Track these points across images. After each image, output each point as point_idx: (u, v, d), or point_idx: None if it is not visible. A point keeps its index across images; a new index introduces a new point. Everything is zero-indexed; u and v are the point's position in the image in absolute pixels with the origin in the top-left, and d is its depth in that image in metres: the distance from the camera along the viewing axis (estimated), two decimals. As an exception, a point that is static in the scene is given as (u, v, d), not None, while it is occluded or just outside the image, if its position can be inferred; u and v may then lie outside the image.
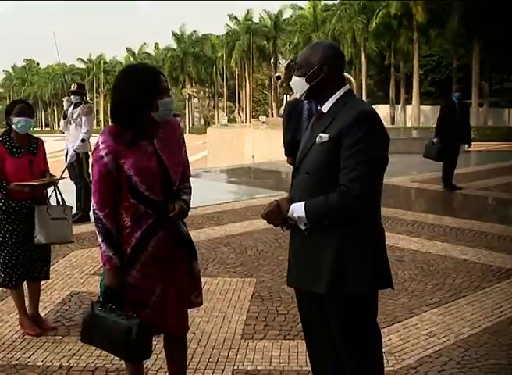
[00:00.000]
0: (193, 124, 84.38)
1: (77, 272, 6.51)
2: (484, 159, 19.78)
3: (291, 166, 5.30)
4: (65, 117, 9.50)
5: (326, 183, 2.91)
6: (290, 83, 3.24)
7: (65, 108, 9.62)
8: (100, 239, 3.17)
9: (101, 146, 3.13)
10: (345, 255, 2.92)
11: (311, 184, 2.99)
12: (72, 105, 9.37)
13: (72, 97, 9.43)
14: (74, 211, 8.77)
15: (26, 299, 5.08)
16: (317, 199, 2.91)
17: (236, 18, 78.58)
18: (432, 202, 11.68)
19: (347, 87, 3.11)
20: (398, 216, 9.36)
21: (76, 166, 9.30)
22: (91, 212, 9.27)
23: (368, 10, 52.63)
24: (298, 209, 2.95)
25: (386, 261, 3.09)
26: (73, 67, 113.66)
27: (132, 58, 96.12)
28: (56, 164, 9.34)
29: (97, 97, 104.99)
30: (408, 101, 52.72)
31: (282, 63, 55.64)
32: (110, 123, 3.35)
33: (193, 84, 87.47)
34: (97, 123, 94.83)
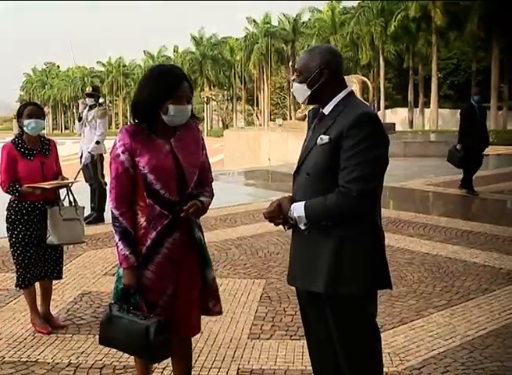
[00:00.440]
0: (211, 127, 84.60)
1: (89, 272, 6.60)
2: (502, 163, 19.67)
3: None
4: (80, 119, 9.63)
5: (326, 184, 2.94)
6: (292, 89, 3.27)
7: (80, 110, 9.76)
8: (116, 238, 3.19)
9: (118, 144, 3.17)
10: (343, 256, 2.95)
11: (312, 185, 3.02)
12: (87, 108, 9.50)
13: (87, 99, 9.57)
14: (88, 212, 8.90)
15: (38, 298, 5.17)
16: (316, 199, 2.94)
17: (254, 21, 78.73)
18: (446, 205, 11.67)
19: (349, 89, 3.14)
20: (410, 218, 9.37)
21: (91, 167, 9.42)
22: (105, 214, 9.39)
23: (386, 13, 52.41)
24: (298, 209, 2.99)
25: (385, 261, 3.10)
26: (93, 70, 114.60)
27: (151, 61, 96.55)
28: (73, 166, 9.48)
29: (116, 100, 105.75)
30: (427, 104, 52.46)
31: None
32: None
33: (212, 87, 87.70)
34: (116, 126, 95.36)
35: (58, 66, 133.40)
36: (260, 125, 71.63)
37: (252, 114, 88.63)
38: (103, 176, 9.56)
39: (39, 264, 5.02)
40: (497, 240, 7.99)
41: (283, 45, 76.07)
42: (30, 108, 4.99)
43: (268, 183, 15.60)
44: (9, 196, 4.99)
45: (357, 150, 2.86)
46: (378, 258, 3.06)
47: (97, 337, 4.13)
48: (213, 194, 3.45)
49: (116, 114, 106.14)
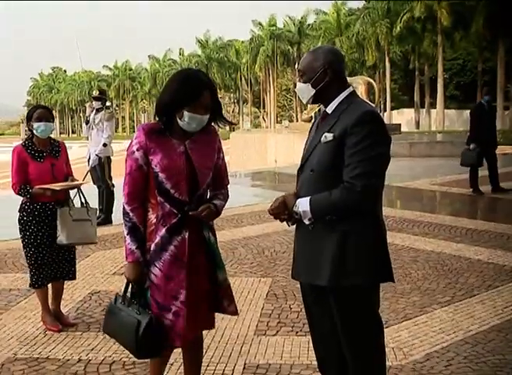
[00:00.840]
0: (218, 129, 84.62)
1: (98, 272, 6.71)
2: (508, 162, 19.66)
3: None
4: (87, 123, 9.76)
5: (330, 180, 3.04)
6: (296, 89, 3.37)
7: (87, 113, 9.89)
8: (125, 232, 3.26)
9: (134, 141, 3.25)
10: (347, 250, 3.03)
11: (315, 181, 3.11)
12: (94, 111, 9.62)
13: (94, 102, 9.70)
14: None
15: (49, 297, 5.27)
16: (321, 194, 3.04)
17: (260, 23, 78.89)
18: (450, 204, 11.73)
19: (351, 89, 3.23)
20: (416, 217, 9.45)
21: (98, 169, 9.54)
22: (113, 215, 9.48)
23: (391, 14, 52.43)
24: (303, 204, 3.07)
25: (387, 255, 3.18)
26: (99, 74, 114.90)
27: (157, 65, 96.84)
28: (80, 169, 9.58)
29: (122, 103, 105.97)
30: (433, 105, 52.45)
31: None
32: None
33: (218, 90, 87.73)
34: (123, 130, 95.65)
35: (65, 71, 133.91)
36: (266, 127, 71.71)
37: (258, 116, 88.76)
38: (110, 178, 9.67)
39: (52, 265, 5.13)
40: (501, 237, 8.06)
41: (289, 47, 76.16)
42: (39, 112, 5.10)
43: (275, 184, 15.68)
44: (21, 198, 5.11)
45: (360, 147, 2.95)
46: (381, 252, 3.14)
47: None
48: (228, 197, 3.53)
49: (123, 117, 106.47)
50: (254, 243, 7.99)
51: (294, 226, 3.30)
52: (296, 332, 4.91)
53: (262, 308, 5.47)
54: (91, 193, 8.78)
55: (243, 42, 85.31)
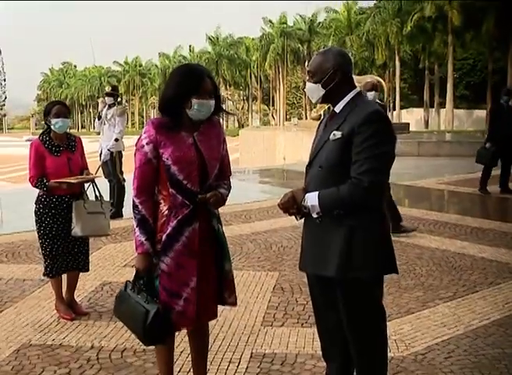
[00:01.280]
0: (227, 126, 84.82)
1: (109, 264, 6.89)
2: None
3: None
4: (99, 118, 9.93)
5: (337, 176, 3.19)
6: (305, 89, 3.51)
7: (99, 109, 10.06)
8: (135, 224, 3.38)
9: (143, 136, 3.37)
10: (354, 243, 3.18)
11: (323, 177, 3.26)
12: (107, 106, 9.79)
13: (106, 98, 9.87)
14: (109, 207, 9.15)
15: (63, 286, 5.43)
16: (329, 190, 3.18)
17: (270, 21, 79.04)
18: (456, 203, 11.84)
19: (358, 89, 3.40)
20: (421, 216, 9.57)
21: (110, 164, 9.71)
22: (124, 209, 9.62)
23: (402, 13, 52.45)
24: (312, 198, 3.22)
25: (391, 248, 3.34)
26: (110, 69, 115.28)
27: (167, 61, 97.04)
28: (91, 164, 9.73)
29: (132, 99, 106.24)
30: (442, 104, 52.37)
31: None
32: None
33: (228, 87, 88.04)
34: (132, 125, 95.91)
35: (75, 66, 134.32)
36: (275, 124, 71.83)
37: (268, 114, 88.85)
38: (122, 173, 9.83)
39: (68, 256, 5.29)
40: (506, 236, 8.17)
41: (299, 45, 76.27)
42: (57, 108, 5.26)
43: (283, 181, 15.81)
44: (37, 191, 5.28)
45: (366, 146, 3.11)
46: (386, 246, 3.30)
47: (118, 323, 4.42)
48: (231, 187, 3.65)
49: (133, 113, 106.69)
50: (261, 238, 8.14)
51: (302, 221, 3.43)
52: (302, 324, 5.05)
53: (269, 301, 5.62)
54: (103, 187, 8.95)
55: (253, 39, 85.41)
